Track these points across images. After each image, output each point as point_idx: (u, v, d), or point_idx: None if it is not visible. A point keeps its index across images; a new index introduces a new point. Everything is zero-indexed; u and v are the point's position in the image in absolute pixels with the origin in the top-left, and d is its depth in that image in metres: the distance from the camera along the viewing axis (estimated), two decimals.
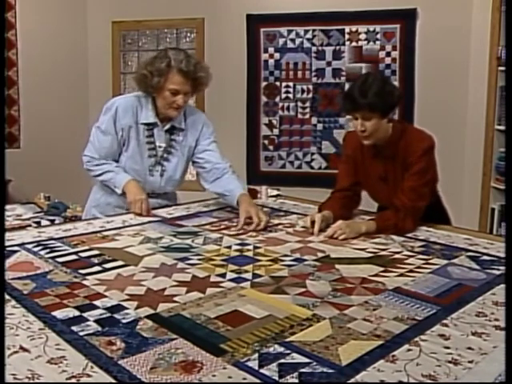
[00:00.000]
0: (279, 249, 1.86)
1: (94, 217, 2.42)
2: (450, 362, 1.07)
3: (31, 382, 0.98)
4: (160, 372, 1.02)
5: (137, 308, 1.33)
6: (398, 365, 1.06)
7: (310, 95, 4.65)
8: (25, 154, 4.65)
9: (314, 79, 4.63)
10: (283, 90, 4.70)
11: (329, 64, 4.59)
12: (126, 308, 1.32)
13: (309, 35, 4.59)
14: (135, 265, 1.67)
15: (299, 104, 4.69)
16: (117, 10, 4.97)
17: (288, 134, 4.74)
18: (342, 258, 1.78)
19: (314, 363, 1.06)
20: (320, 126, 4.67)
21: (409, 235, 2.06)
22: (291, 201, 2.77)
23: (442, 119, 4.29)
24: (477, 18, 4.18)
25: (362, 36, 4.50)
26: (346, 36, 4.52)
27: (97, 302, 1.36)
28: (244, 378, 1.01)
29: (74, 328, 1.20)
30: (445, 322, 1.26)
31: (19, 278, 1.52)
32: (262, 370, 1.03)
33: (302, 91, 4.66)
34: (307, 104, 4.67)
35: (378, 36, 4.47)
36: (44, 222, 3.33)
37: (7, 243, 1.85)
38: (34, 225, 3.18)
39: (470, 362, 1.07)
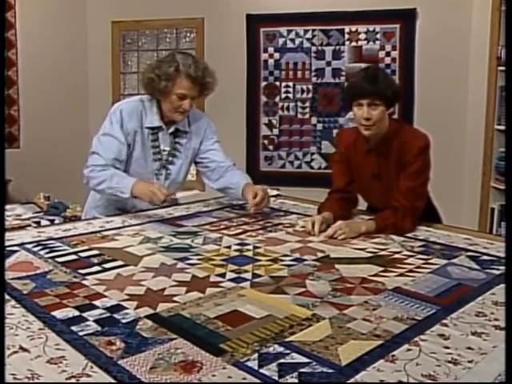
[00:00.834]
0: (279, 249, 1.86)
1: (93, 217, 2.41)
2: (449, 361, 1.07)
3: (31, 381, 0.98)
4: (160, 372, 1.02)
5: (136, 308, 1.33)
6: (397, 365, 1.06)
7: (310, 95, 4.65)
8: (24, 153, 4.65)
9: (314, 79, 4.63)
10: (283, 89, 4.70)
11: (328, 64, 4.59)
12: (126, 308, 1.32)
13: (308, 35, 4.59)
14: (135, 265, 1.67)
15: (299, 104, 4.69)
16: (116, 9, 4.97)
17: (288, 133, 4.74)
18: (341, 257, 1.78)
19: (314, 363, 1.06)
20: (320, 126, 4.68)
21: (408, 235, 2.05)
22: (291, 201, 2.77)
23: (442, 119, 4.29)
24: (477, 17, 4.18)
25: (362, 36, 4.50)
26: (346, 36, 4.52)
27: (96, 302, 1.36)
28: (244, 378, 1.01)
29: (74, 328, 1.20)
30: (444, 321, 1.26)
31: (19, 278, 1.52)
32: (261, 370, 1.03)
33: (302, 91, 4.66)
34: (307, 104, 4.67)
35: (378, 36, 4.47)
36: (44, 222, 3.33)
37: (7, 243, 1.84)
38: (34, 225, 3.18)
39: (470, 361, 1.07)
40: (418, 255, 1.80)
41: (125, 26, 5.05)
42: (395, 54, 4.45)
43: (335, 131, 4.57)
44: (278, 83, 4.71)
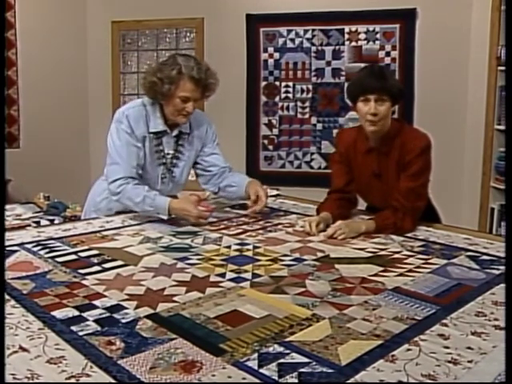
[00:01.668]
0: (279, 249, 1.86)
1: (94, 217, 2.41)
2: (449, 361, 1.07)
3: (31, 381, 0.98)
4: (159, 372, 1.02)
5: (136, 308, 1.32)
6: (397, 364, 1.06)
7: (310, 95, 4.65)
8: (24, 153, 4.66)
9: (314, 79, 4.63)
10: (283, 89, 4.70)
11: (328, 64, 4.59)
12: (126, 308, 1.32)
13: (308, 35, 4.59)
14: (135, 264, 1.67)
15: (299, 104, 4.69)
16: (116, 9, 4.98)
17: (287, 133, 4.75)
18: (341, 257, 1.78)
19: (314, 363, 1.06)
20: (319, 126, 4.68)
21: (408, 235, 2.05)
22: (291, 200, 2.77)
23: (442, 119, 4.29)
24: (476, 17, 4.19)
25: (362, 36, 4.50)
26: (346, 36, 4.53)
27: (96, 302, 1.36)
28: (243, 378, 1.01)
29: (74, 328, 1.20)
30: (444, 321, 1.26)
31: (19, 278, 1.52)
32: (261, 370, 1.03)
33: (302, 91, 4.66)
34: (307, 104, 4.67)
35: (378, 36, 4.47)
36: (43, 222, 3.33)
37: (7, 243, 1.84)
38: (34, 224, 3.18)
39: (470, 361, 1.07)
40: (418, 255, 1.80)
41: (125, 26, 5.05)
42: (395, 53, 4.45)
43: (335, 131, 4.57)
44: (277, 83, 4.71)
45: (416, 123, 4.23)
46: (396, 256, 1.79)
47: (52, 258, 1.72)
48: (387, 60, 4.46)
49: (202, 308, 1.33)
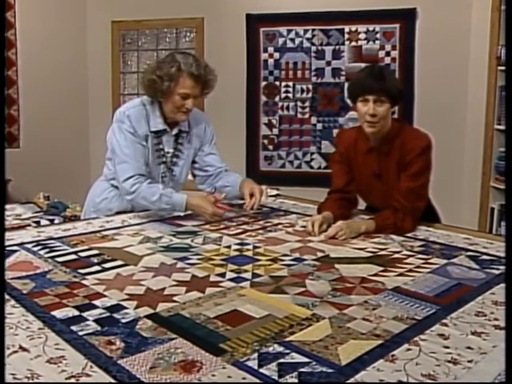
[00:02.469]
0: (279, 248, 1.86)
1: (94, 216, 2.41)
2: (449, 361, 1.07)
3: (30, 381, 0.98)
4: (159, 372, 1.02)
5: (136, 308, 1.32)
6: (397, 364, 1.06)
7: (310, 95, 4.65)
8: (24, 153, 4.66)
9: (314, 79, 4.63)
10: (283, 89, 4.70)
11: (328, 64, 4.59)
12: (126, 308, 1.32)
13: (308, 35, 4.59)
14: (135, 264, 1.67)
15: (299, 104, 4.69)
16: (116, 9, 4.98)
17: (287, 133, 4.74)
18: (341, 257, 1.78)
19: (314, 363, 1.06)
20: (319, 126, 4.68)
21: (408, 235, 2.05)
22: (291, 200, 2.77)
23: (442, 119, 4.29)
24: (476, 17, 4.19)
25: (362, 36, 4.50)
26: (346, 36, 4.53)
27: (96, 302, 1.36)
28: (243, 378, 1.01)
29: (74, 328, 1.20)
30: (444, 321, 1.26)
31: (18, 278, 1.52)
32: (261, 370, 1.03)
33: (302, 91, 4.66)
34: (307, 104, 4.67)
35: (378, 36, 4.47)
36: (43, 222, 3.33)
37: (6, 243, 1.84)
38: (34, 224, 3.18)
39: (470, 361, 1.07)
40: (418, 255, 1.80)
41: (125, 26, 5.05)
42: (395, 53, 4.45)
43: (335, 131, 4.57)
44: (277, 83, 4.71)
45: (416, 123, 4.23)
46: (396, 256, 1.79)
47: (52, 257, 1.72)
48: (387, 60, 4.46)
49: (201, 308, 1.33)
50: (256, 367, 1.04)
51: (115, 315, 1.28)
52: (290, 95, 4.69)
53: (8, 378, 0.97)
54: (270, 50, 4.68)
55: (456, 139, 4.32)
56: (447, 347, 1.13)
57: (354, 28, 4.50)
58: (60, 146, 4.87)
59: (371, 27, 4.46)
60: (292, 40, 4.63)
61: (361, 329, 1.22)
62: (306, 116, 4.69)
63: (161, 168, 2.39)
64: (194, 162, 2.53)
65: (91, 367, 1.03)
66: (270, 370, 1.03)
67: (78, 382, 0.98)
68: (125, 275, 1.57)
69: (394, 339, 1.17)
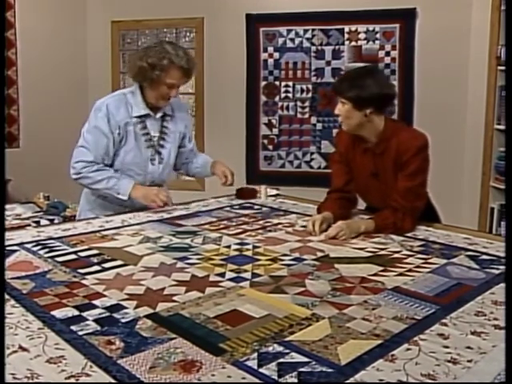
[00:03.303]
0: (278, 248, 1.86)
1: (94, 216, 2.41)
2: (449, 361, 1.07)
3: (30, 381, 0.98)
4: (159, 371, 1.02)
5: (136, 307, 1.33)
6: (397, 364, 1.06)
7: (310, 95, 4.65)
8: (24, 153, 4.65)
9: (314, 79, 4.63)
10: (282, 89, 4.70)
11: (328, 63, 4.58)
12: (125, 307, 1.33)
13: (308, 35, 4.58)
14: (134, 264, 1.67)
15: (298, 103, 4.68)
16: (116, 9, 4.97)
17: (287, 133, 4.74)
18: (341, 257, 1.78)
19: (314, 362, 1.06)
20: (319, 126, 4.67)
21: (408, 235, 2.05)
22: (290, 200, 2.77)
23: (442, 118, 4.29)
24: (476, 17, 4.18)
25: (362, 35, 4.49)
26: (346, 35, 4.52)
27: (96, 302, 1.36)
28: (243, 378, 1.01)
29: (73, 327, 1.20)
30: (444, 321, 1.27)
31: (18, 278, 1.52)
32: (261, 370, 1.03)
33: (302, 91, 4.66)
34: (306, 103, 4.67)
35: (378, 35, 4.47)
36: (43, 222, 3.33)
37: (6, 243, 1.84)
38: (34, 224, 3.18)
39: (470, 361, 1.07)
40: (418, 255, 1.80)
41: (124, 26, 5.04)
42: (395, 53, 4.44)
43: (335, 131, 4.56)
44: (277, 83, 4.70)
45: (416, 123, 4.23)
46: (396, 256, 1.79)
47: (52, 257, 1.72)
48: (387, 60, 4.46)
49: (201, 308, 1.33)
50: (256, 367, 1.04)
51: (115, 315, 1.28)
52: (290, 95, 4.69)
53: (8, 378, 0.98)
54: (270, 49, 4.68)
55: (456, 139, 4.32)
56: (447, 347, 1.13)
57: (353, 28, 4.50)
58: (60, 146, 4.84)
59: (371, 27, 4.46)
60: (292, 40, 4.63)
61: (360, 328, 1.22)
62: (306, 116, 4.69)
63: (149, 151, 2.46)
64: (179, 146, 2.61)
65: (91, 367, 1.03)
66: (269, 370, 1.03)
67: (77, 381, 0.98)
68: (124, 275, 1.57)
69: (393, 339, 1.17)
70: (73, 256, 1.75)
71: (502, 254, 1.76)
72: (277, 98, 4.72)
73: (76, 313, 1.29)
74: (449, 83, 4.32)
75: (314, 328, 1.22)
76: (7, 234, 1.96)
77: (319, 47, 4.58)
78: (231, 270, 1.62)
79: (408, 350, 1.12)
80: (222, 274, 1.58)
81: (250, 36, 4.67)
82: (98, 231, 2.08)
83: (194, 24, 4.85)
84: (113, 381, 0.99)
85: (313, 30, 4.56)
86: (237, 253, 1.81)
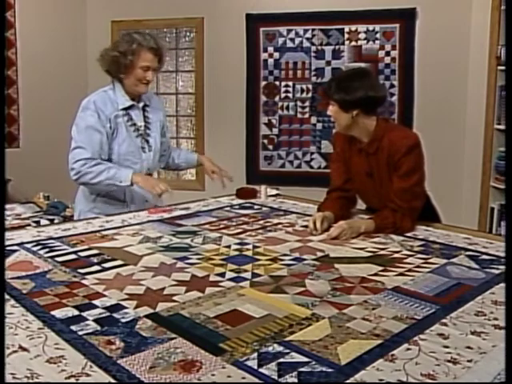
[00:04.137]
0: (278, 248, 1.86)
1: (94, 216, 2.42)
2: (449, 361, 1.07)
3: (30, 381, 0.98)
4: (159, 371, 1.02)
5: (136, 307, 1.33)
6: (397, 364, 1.06)
7: (310, 95, 4.65)
8: (24, 153, 4.65)
9: (314, 79, 4.63)
10: (283, 89, 4.70)
11: (328, 63, 4.58)
12: (125, 307, 1.33)
13: (308, 35, 4.58)
14: (134, 264, 1.67)
15: (299, 103, 4.68)
16: (116, 9, 4.97)
17: (287, 133, 4.74)
18: (341, 257, 1.78)
19: (313, 362, 1.06)
20: (319, 126, 4.67)
21: (408, 234, 2.05)
22: (290, 200, 2.77)
23: (442, 118, 4.29)
24: (476, 17, 4.18)
25: (362, 35, 4.50)
26: (346, 35, 4.52)
27: (96, 302, 1.36)
28: (243, 378, 1.01)
29: (73, 327, 1.20)
30: (444, 321, 1.27)
31: (18, 278, 1.52)
32: (261, 370, 1.03)
33: (302, 91, 4.66)
34: (307, 103, 4.67)
35: (378, 35, 4.47)
36: (43, 222, 3.33)
37: (6, 242, 1.84)
38: (34, 224, 3.18)
39: (469, 361, 1.07)
40: (418, 254, 1.80)
41: (125, 26, 5.03)
42: (395, 53, 4.45)
43: (334, 131, 4.56)
44: (277, 83, 4.70)
45: (416, 123, 4.23)
46: (396, 255, 1.79)
47: (52, 257, 1.72)
48: (387, 60, 4.46)
49: (201, 307, 1.33)
50: (256, 367, 1.04)
51: (115, 315, 1.28)
52: (290, 95, 4.69)
53: (8, 378, 0.97)
54: (270, 49, 4.68)
55: (456, 139, 4.32)
56: (447, 347, 1.13)
57: (353, 28, 4.50)
58: (60, 146, 4.84)
59: (371, 27, 4.46)
60: (292, 40, 4.63)
61: (360, 328, 1.22)
62: (306, 116, 4.69)
63: (139, 140, 2.53)
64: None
65: (91, 367, 1.03)
66: (269, 370, 1.03)
67: (77, 381, 0.98)
68: (124, 275, 1.57)
69: (393, 339, 1.17)
70: (73, 256, 1.75)
71: (502, 254, 1.76)
72: (277, 98, 4.72)
73: (76, 313, 1.29)
74: (449, 83, 4.32)
75: (314, 328, 1.22)
76: (7, 234, 1.96)
77: (319, 47, 4.58)
78: (231, 270, 1.62)
79: (408, 349, 1.12)
80: (222, 274, 1.58)
81: (250, 36, 4.67)
82: (98, 231, 2.08)
83: (194, 24, 4.85)
84: (113, 381, 0.99)
85: (313, 29, 4.56)
86: (237, 253, 1.81)
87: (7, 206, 3.65)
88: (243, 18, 4.64)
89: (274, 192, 2.90)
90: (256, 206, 2.59)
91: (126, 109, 2.49)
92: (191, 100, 4.96)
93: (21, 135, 4.74)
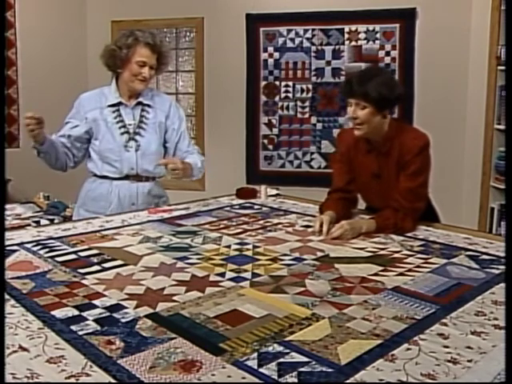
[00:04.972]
0: (278, 248, 1.86)
1: (94, 216, 2.42)
2: (449, 361, 1.07)
3: (30, 381, 0.98)
4: (159, 371, 1.02)
5: (136, 307, 1.33)
6: (397, 364, 1.06)
7: (310, 95, 4.65)
8: (24, 153, 4.62)
9: (314, 79, 4.63)
10: (283, 89, 4.69)
11: (328, 63, 4.58)
12: (125, 307, 1.33)
13: (308, 34, 4.58)
14: (134, 264, 1.67)
15: (299, 103, 4.68)
16: (116, 9, 4.97)
17: (287, 133, 4.74)
18: (341, 257, 1.78)
19: (314, 362, 1.06)
20: (319, 126, 4.67)
21: (408, 234, 2.05)
22: (290, 200, 2.77)
23: (442, 118, 4.29)
24: (476, 17, 4.18)
25: (362, 35, 4.49)
26: (346, 35, 4.52)
27: (96, 302, 1.36)
28: (243, 378, 1.01)
29: (73, 327, 1.20)
30: (444, 321, 1.27)
31: (18, 278, 1.52)
32: (261, 370, 1.03)
33: (302, 91, 4.66)
34: (307, 103, 4.67)
35: (378, 35, 4.47)
36: (43, 222, 3.33)
37: (6, 242, 1.84)
38: (34, 224, 3.18)
39: (470, 361, 1.07)
40: (418, 254, 1.80)
41: (125, 26, 5.02)
42: (395, 53, 4.44)
43: (335, 131, 4.56)
44: (277, 83, 4.70)
45: (416, 123, 4.22)
46: (396, 255, 1.79)
47: (52, 257, 1.72)
48: (387, 60, 4.46)
49: (201, 307, 1.33)
50: (256, 367, 1.04)
51: (115, 315, 1.28)
52: (290, 95, 4.69)
53: (8, 378, 0.97)
54: (270, 49, 4.68)
55: (456, 139, 4.32)
56: (447, 347, 1.13)
57: (353, 28, 4.50)
58: None
59: (371, 27, 4.46)
60: (292, 40, 4.63)
61: (360, 328, 1.22)
62: (306, 116, 4.69)
63: (124, 138, 2.53)
64: (165, 141, 2.63)
65: (91, 367, 1.03)
66: (269, 370, 1.03)
67: (77, 381, 0.98)
68: (124, 275, 1.57)
69: (393, 339, 1.17)
70: (73, 256, 1.75)
71: (502, 254, 1.76)
72: (277, 98, 4.72)
73: (76, 313, 1.29)
74: (449, 83, 4.32)
75: (314, 328, 1.22)
76: (7, 234, 1.96)
77: (319, 47, 4.58)
78: (231, 270, 1.62)
79: (408, 349, 1.12)
80: (222, 274, 1.58)
81: (250, 36, 4.67)
82: (98, 231, 2.08)
83: (194, 24, 4.85)
84: (113, 381, 0.99)
85: (313, 29, 4.56)
86: (237, 253, 1.81)
87: (7, 206, 3.65)
88: (243, 18, 4.64)
89: (274, 192, 2.90)
90: (256, 206, 2.59)
91: (114, 105, 2.52)
92: (191, 100, 4.96)
93: (21, 135, 4.74)
